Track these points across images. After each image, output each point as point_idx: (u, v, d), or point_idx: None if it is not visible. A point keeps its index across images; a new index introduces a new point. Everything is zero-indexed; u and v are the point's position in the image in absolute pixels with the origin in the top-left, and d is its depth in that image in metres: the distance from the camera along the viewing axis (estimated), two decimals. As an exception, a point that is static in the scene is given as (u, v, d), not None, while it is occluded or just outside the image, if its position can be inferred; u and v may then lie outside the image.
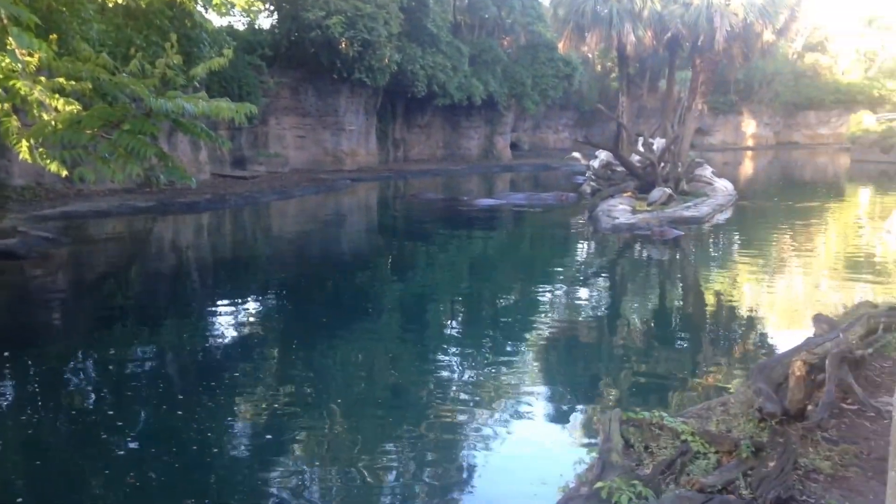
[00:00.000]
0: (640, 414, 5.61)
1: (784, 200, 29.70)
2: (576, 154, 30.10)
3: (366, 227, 23.40)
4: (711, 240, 19.98)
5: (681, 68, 46.83)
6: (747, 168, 50.94)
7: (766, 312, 12.07)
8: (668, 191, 21.73)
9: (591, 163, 27.87)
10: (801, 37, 67.10)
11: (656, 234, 18.53)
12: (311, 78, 35.43)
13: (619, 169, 25.86)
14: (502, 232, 21.80)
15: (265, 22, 38.26)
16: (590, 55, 57.92)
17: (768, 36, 26.35)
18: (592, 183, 26.31)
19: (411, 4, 37.57)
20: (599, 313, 12.44)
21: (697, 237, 19.62)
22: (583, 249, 19.21)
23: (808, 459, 5.26)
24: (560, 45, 29.83)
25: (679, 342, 10.63)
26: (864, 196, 32.57)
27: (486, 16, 44.97)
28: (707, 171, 29.18)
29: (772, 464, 4.92)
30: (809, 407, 6.12)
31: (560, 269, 16.56)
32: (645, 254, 18.00)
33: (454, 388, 8.70)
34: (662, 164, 24.69)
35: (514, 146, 50.84)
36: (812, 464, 5.22)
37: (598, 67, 62.67)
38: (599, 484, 4.43)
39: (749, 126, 67.03)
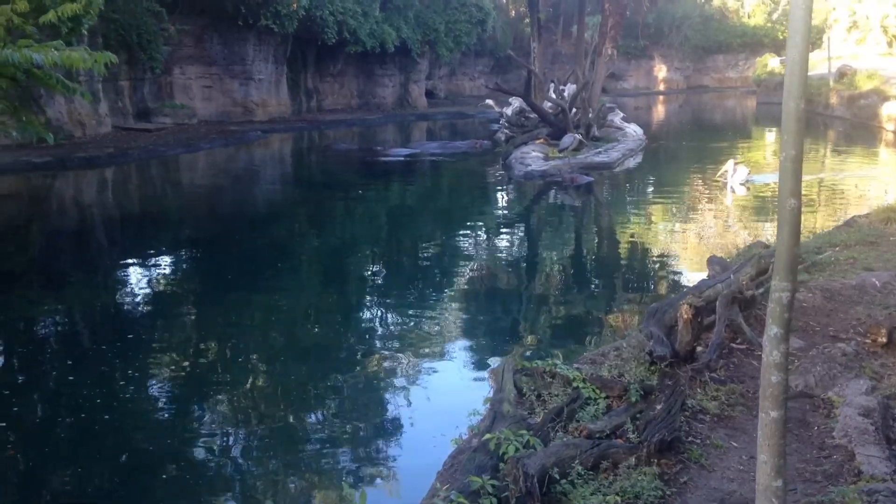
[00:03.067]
0: (534, 362, 5.63)
1: (691, 143, 30.43)
2: (489, 101, 29.94)
3: (278, 179, 22.80)
4: (620, 185, 20.30)
5: (593, 13, 47.17)
6: (658, 112, 51.89)
7: (669, 255, 12.33)
8: (579, 137, 21.88)
9: (504, 110, 27.79)
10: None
11: (567, 181, 18.68)
12: (215, 25, 34.02)
13: (533, 116, 25.87)
14: (417, 181, 21.61)
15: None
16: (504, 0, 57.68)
17: (675, -20, 26.50)
18: (506, 130, 26.28)
19: (319, -53, 36.35)
20: (507, 262, 12.48)
21: (607, 182, 19.89)
22: (494, 197, 19.23)
23: (695, 400, 5.38)
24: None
25: (583, 288, 10.75)
26: (768, 136, 33.62)
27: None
28: (618, 117, 29.52)
29: (659, 406, 5.01)
30: (700, 348, 6.26)
31: (471, 217, 16.53)
32: (555, 200, 18.15)
33: (363, 340, 8.63)
34: (574, 111, 24.80)
35: (429, 94, 50.30)
36: (699, 404, 5.34)
37: (512, 12, 62.33)
38: (488, 435, 4.42)
39: (660, 70, 68.07)
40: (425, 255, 13.07)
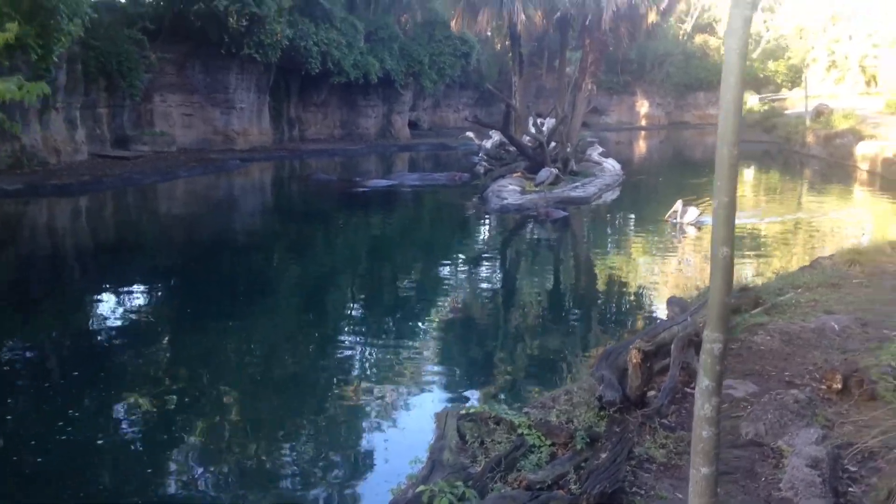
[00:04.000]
0: (481, 407, 5.50)
1: (669, 179, 30.63)
2: (469, 134, 30.04)
3: (255, 208, 22.67)
4: (593, 220, 20.30)
5: (576, 49, 47.70)
6: (639, 148, 52.38)
7: (631, 295, 12.27)
8: (555, 171, 21.94)
9: (483, 143, 27.88)
10: (690, 18, 69.36)
11: (542, 215, 18.68)
12: (198, 53, 34.04)
13: (512, 149, 25.95)
14: (394, 213, 21.53)
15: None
16: (488, 33, 58.19)
17: (653, 16, 26.85)
18: (484, 163, 26.35)
19: (303, -21, 36.61)
20: (470, 298, 12.34)
21: (581, 217, 19.91)
22: (467, 231, 19.17)
23: (643, 448, 5.28)
24: (452, 24, 29.64)
25: (543, 328, 10.60)
26: (746, 174, 33.89)
27: (381, -9, 44.27)
28: (596, 152, 29.71)
29: (604, 455, 4.90)
30: (653, 393, 6.17)
31: (442, 251, 16.45)
32: (528, 235, 18.12)
33: (318, 378, 8.49)
34: (553, 145, 24.91)
35: (413, 125, 50.49)
36: (647, 452, 5.23)
37: (498, 46, 62.80)
38: (422, 487, 4.28)
39: (643, 106, 68.74)
40: (393, 290, 12.96)
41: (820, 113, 36.33)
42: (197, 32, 32.37)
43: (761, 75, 64.47)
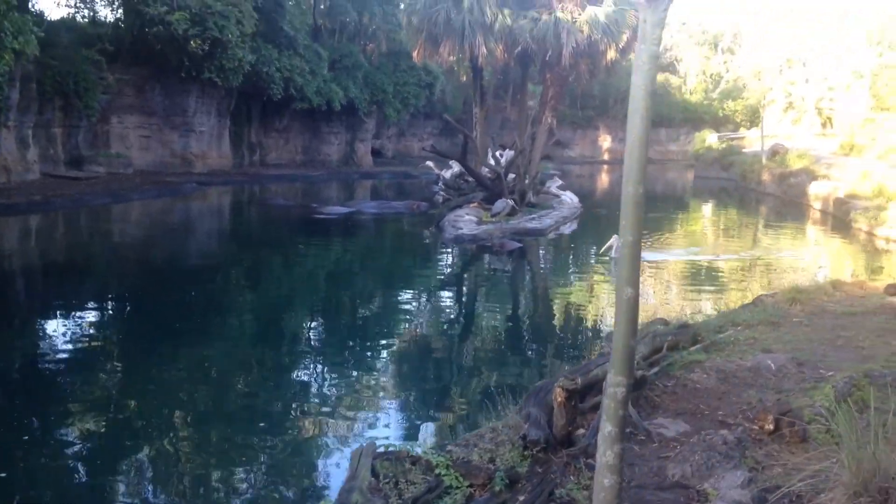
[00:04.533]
0: (401, 445, 5.29)
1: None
2: (429, 163, 30.02)
3: (205, 233, 22.29)
4: (546, 253, 20.26)
5: (538, 83, 48.23)
6: (600, 181, 52.89)
7: (571, 330, 12.11)
8: (511, 202, 21.94)
9: (443, 172, 27.85)
10: (653, 57, 70.57)
11: (496, 246, 18.61)
12: (158, 76, 33.72)
13: (471, 179, 25.96)
14: (348, 241, 21.29)
15: (110, 14, 36.31)
16: (454, 66, 58.60)
17: (612, 54, 27.17)
18: (442, 193, 26.31)
19: (266, 5, 36.56)
20: (408, 330, 12.07)
21: (535, 249, 19.87)
22: (420, 261, 18.98)
23: (565, 489, 5.11)
24: (415, 55, 29.63)
25: (477, 361, 10.36)
26: (704, 209, 34.33)
27: (347, 20, 44.47)
28: (555, 184, 29.87)
29: (522, 498, 4.72)
30: (582, 431, 6.02)
31: (393, 281, 16.21)
32: (479, 267, 18.00)
33: (249, 409, 8.19)
34: (512, 176, 24.98)
35: (377, 153, 50.49)
36: (568, 494, 5.06)
37: (463, 77, 63.29)
38: (322, 532, 4.07)
39: (605, 141, 69.72)
40: (336, 321, 12.69)
41: (775, 152, 37.03)
42: (157, 55, 32.08)
43: (721, 114, 65.82)
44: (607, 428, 3.24)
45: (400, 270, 17.42)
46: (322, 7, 44.65)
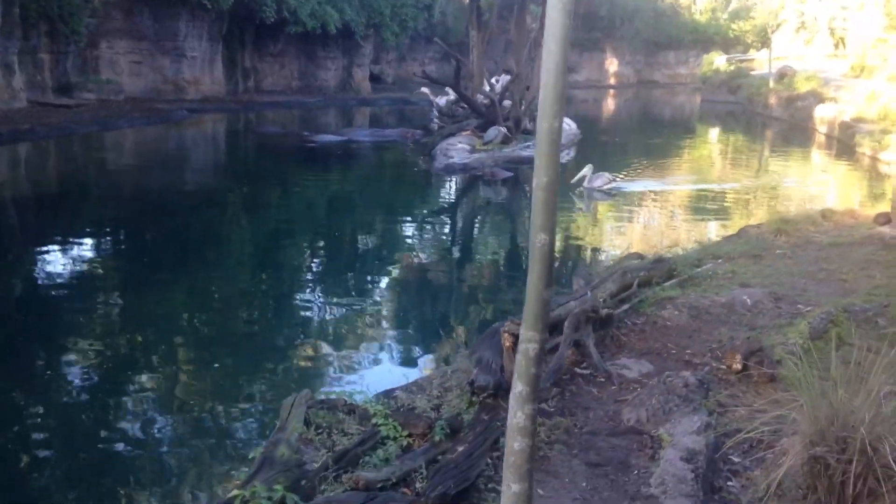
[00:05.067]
0: (345, 392, 4.99)
1: (629, 138, 30.21)
2: (424, 89, 29.20)
3: (190, 161, 21.73)
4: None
5: (540, 2, 46.69)
6: (606, 106, 51.84)
7: (564, 260, 11.75)
8: (504, 130, 21.33)
9: (437, 99, 27.12)
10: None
11: (487, 175, 18.18)
12: (147, -1, 32.72)
13: (466, 107, 25.27)
14: (334, 171, 20.80)
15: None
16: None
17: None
18: (437, 120, 25.68)
19: (258, -77, 35.19)
20: (385, 265, 11.72)
21: (527, 178, 19.38)
22: (404, 191, 18.54)
23: (511, 438, 4.86)
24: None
25: (447, 300, 10.05)
26: (710, 134, 33.57)
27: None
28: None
29: (461, 448, 4.48)
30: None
31: (372, 213, 15.74)
32: (465, 196, 17.60)
33: (202, 351, 7.98)
34: (509, 103, 24.29)
35: (377, 79, 49.35)
36: (514, 443, 4.82)
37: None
38: (235, 492, 3.83)
39: (612, 64, 68.03)
40: (305, 254, 12.33)
41: (783, 75, 35.96)
42: (146, -24, 31.06)
43: (731, 35, 63.90)
44: (518, 387, 2.94)
45: (383, 201, 17.00)
46: (317, -75, 42.86)
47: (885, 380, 4.49)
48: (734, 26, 63.54)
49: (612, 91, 62.82)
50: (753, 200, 16.07)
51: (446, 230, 14.49)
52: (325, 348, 7.77)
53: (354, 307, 9.36)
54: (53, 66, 29.94)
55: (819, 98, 29.90)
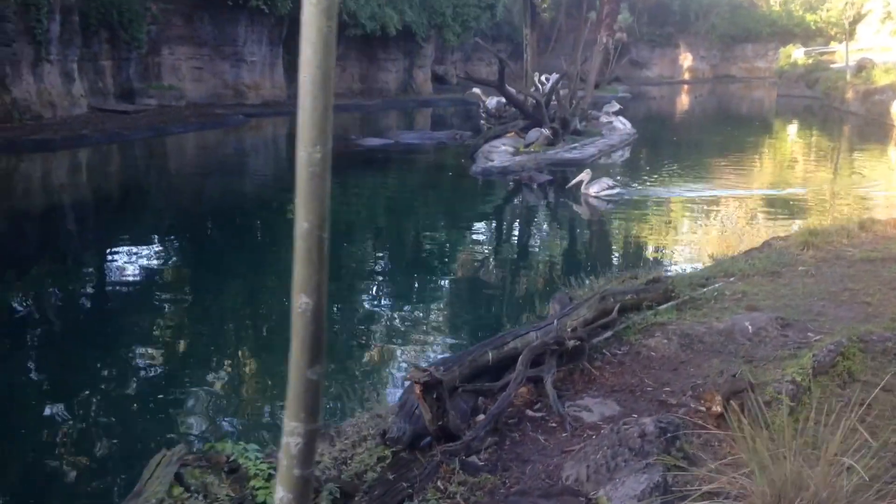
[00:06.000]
0: (222, 445, 4.40)
1: (691, 137, 28.89)
2: (476, 90, 28.54)
3: (230, 168, 21.25)
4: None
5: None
6: (673, 103, 50.10)
7: (540, 283, 10.76)
8: (546, 132, 20.50)
9: (487, 100, 26.45)
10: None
11: (524, 179, 17.47)
12: (205, 4, 33.11)
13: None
14: (365, 174, 19.99)
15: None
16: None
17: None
18: (484, 122, 25.05)
19: (316, -74, 35.16)
20: (358, 277, 10.99)
21: (565, 181, 18.38)
22: (430, 195, 17.86)
23: (421, 500, 4.24)
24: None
25: (412, 323, 9.12)
26: (790, 131, 31.75)
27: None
28: (612, 109, 28.13)
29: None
30: (482, 418, 5.12)
31: (377, 219, 15.20)
32: (493, 201, 16.79)
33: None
34: (555, 103, 23.46)
35: (441, 80, 48.98)
36: (423, 505, 4.20)
37: (533, -3, 60.63)
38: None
39: (686, 59, 65.87)
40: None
41: (862, 67, 33.84)
42: (204, -18, 31.43)
43: (813, 27, 60.86)
44: (279, 493, 2.29)
45: (399, 208, 16.33)
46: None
47: (850, 444, 3.70)
48: (814, 17, 60.51)
49: (685, 87, 60.75)
50: (798, 208, 14.65)
51: (449, 240, 13.55)
52: (248, 384, 7.27)
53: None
54: (115, 73, 30.61)
55: (898, 91, 27.95)
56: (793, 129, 32.55)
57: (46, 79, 25.63)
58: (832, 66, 42.21)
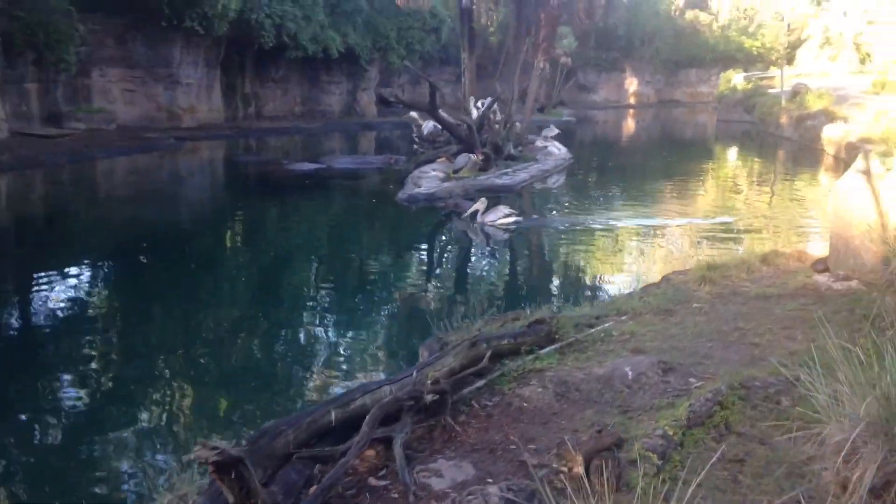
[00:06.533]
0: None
1: (627, 161, 28.92)
2: (413, 114, 28.19)
3: (140, 196, 20.13)
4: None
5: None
6: (615, 127, 50.49)
7: (409, 326, 9.93)
8: (475, 157, 20.19)
9: (425, 124, 26.11)
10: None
11: (449, 206, 17.06)
12: (138, 25, 32.38)
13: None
14: (285, 202, 19.24)
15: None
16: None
17: (605, -10, 25.02)
18: (417, 146, 24.69)
19: (255, -52, 34.78)
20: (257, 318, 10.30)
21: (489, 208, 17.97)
22: (349, 222, 17.38)
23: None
24: (396, -4, 27.74)
25: (279, 371, 8.33)
26: (728, 155, 31.94)
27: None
28: (551, 133, 28.07)
29: None
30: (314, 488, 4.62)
31: (277, 248, 14.54)
32: (397, 231, 16.22)
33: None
34: (498, 128, 23.21)
35: (387, 102, 48.60)
36: None
37: (484, 20, 60.82)
38: None
39: (632, 84, 66.76)
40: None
41: (796, 92, 34.40)
42: (138, 2, 30.62)
43: (755, 52, 62.11)
44: None
45: (305, 237, 15.70)
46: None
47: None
48: (754, 43, 61.79)
49: (631, 111, 61.40)
50: (719, 238, 14.26)
51: (323, 272, 12.91)
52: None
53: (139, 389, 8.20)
54: (42, 96, 29.62)
55: (830, 117, 28.32)
56: (728, 154, 32.85)
57: (-35, 100, 24.64)
58: (770, 91, 42.97)
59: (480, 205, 15.01)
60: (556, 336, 6.67)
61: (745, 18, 64.12)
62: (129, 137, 29.52)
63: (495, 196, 19.19)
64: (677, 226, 15.52)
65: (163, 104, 34.07)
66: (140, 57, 33.14)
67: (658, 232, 15.21)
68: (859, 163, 7.34)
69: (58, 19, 28.13)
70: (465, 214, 15.18)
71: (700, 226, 15.64)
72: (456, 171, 19.71)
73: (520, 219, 15.19)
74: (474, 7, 29.12)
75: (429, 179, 19.43)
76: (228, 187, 21.64)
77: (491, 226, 14.92)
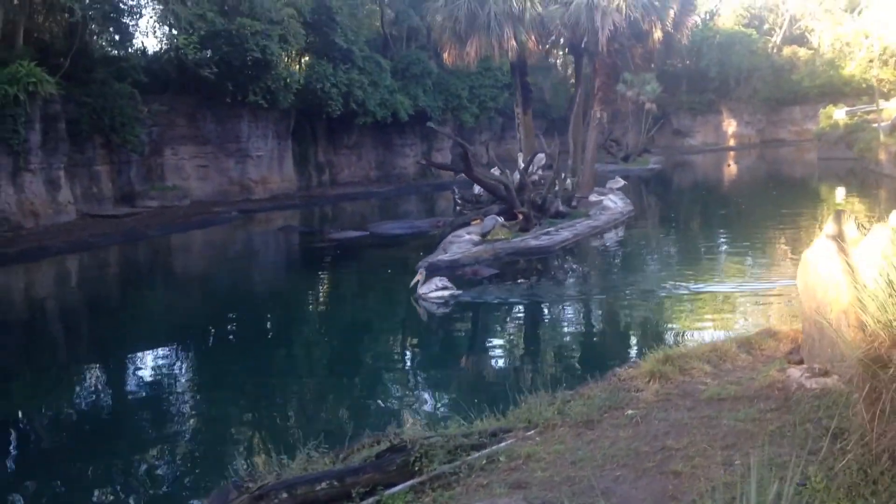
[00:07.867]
0: None
1: (689, 215, 26.77)
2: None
3: (159, 275, 20.18)
4: (510, 282, 15.78)
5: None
6: (710, 170, 47.83)
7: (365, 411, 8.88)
8: (500, 219, 18.83)
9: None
10: (779, 30, 63.71)
11: (468, 273, 15.78)
12: (207, 103, 33.15)
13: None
14: (304, 277, 18.66)
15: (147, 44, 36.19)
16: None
17: (658, 33, 23.43)
18: (459, 207, 23.59)
19: (318, 20, 35.23)
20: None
21: (511, 275, 16.33)
22: (332, 300, 16.38)
23: None
24: (445, 56, 27.03)
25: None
26: (794, 201, 29.10)
27: (416, 27, 42.17)
28: (615, 186, 26.43)
29: None
30: None
31: (287, 332, 13.72)
32: (399, 310, 14.61)
33: None
34: (544, 185, 21.89)
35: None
36: None
37: (569, 71, 59.82)
38: None
39: (730, 125, 63.75)
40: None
41: (895, 127, 31.27)
42: (205, 83, 31.33)
43: (864, 85, 57.85)
44: None
45: (298, 320, 14.76)
46: (389, 16, 42.81)
47: None
48: (866, 76, 57.60)
49: (731, 153, 58.32)
50: (717, 310, 12.04)
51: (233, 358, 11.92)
52: None
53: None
54: (115, 177, 30.52)
55: (933, 152, 25.35)
56: (821, 194, 29.97)
57: (27, 188, 25.43)
58: (873, 125, 39.50)
59: (420, 275, 13.54)
60: (417, 468, 5.24)
61: (850, 51, 60.07)
62: (196, 213, 29.91)
63: (534, 257, 17.91)
64: (693, 292, 13.52)
65: (235, 178, 34.60)
66: (210, 133, 33.88)
67: (667, 300, 13.29)
68: (829, 226, 5.66)
69: (123, 103, 28.98)
70: (412, 284, 13.69)
71: (728, 293, 13.62)
72: (484, 234, 18.42)
73: (457, 292, 13.52)
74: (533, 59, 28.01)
75: (460, 244, 18.24)
76: (251, 259, 21.11)
77: (424, 299, 13.43)
